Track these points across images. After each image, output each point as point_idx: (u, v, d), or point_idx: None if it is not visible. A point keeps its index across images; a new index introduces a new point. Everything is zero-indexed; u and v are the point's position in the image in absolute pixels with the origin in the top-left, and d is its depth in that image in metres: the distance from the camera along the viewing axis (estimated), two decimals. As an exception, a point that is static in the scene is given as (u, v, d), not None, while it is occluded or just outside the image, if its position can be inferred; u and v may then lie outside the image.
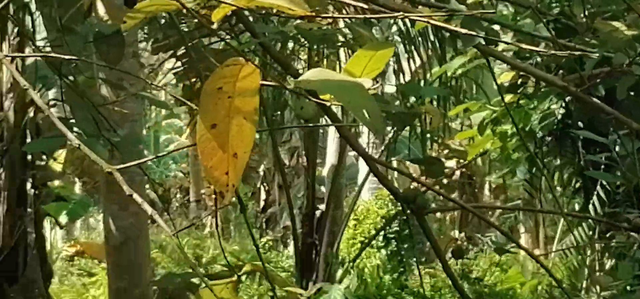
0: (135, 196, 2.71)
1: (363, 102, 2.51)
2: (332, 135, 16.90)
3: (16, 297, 12.94)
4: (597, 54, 5.18)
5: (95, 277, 21.36)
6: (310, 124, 12.59)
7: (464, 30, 4.09)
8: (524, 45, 6.19)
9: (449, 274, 4.10)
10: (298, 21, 6.10)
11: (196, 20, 7.55)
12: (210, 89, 2.45)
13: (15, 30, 12.30)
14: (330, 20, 6.20)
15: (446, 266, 4.01)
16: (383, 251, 21.21)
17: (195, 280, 12.62)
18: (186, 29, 8.56)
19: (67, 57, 5.91)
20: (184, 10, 3.13)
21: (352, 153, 20.67)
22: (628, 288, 9.66)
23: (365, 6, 4.39)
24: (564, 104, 10.92)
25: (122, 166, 2.67)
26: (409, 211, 3.94)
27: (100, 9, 9.88)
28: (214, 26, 6.95)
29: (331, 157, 17.32)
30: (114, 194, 11.15)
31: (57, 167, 15.31)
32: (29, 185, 12.95)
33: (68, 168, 18.09)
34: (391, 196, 23.38)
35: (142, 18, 3.68)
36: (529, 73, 8.13)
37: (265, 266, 7.49)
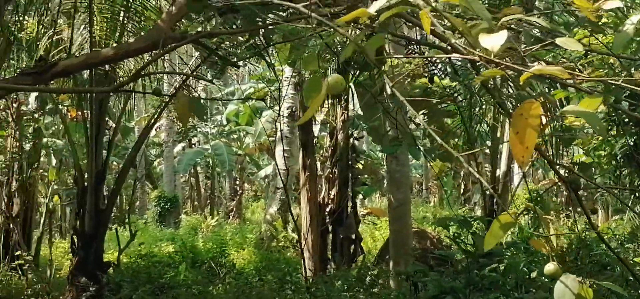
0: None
1: (594, 121, 2.61)
2: (505, 154, 16.40)
3: (341, 232, 13.37)
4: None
5: (377, 225, 21.62)
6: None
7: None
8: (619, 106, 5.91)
9: (591, 224, 3.93)
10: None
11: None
12: (516, 114, 2.47)
13: (343, 100, 12.75)
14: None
15: (589, 218, 3.77)
16: (526, 217, 20.75)
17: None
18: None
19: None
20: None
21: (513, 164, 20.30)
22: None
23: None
24: (633, 139, 10.52)
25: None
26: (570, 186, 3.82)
27: (387, 89, 10.17)
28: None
29: (503, 166, 16.98)
30: (393, 182, 11.37)
31: (360, 166, 15.66)
32: (350, 175, 13.38)
33: (366, 170, 18.50)
34: (529, 190, 22.85)
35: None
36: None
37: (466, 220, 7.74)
